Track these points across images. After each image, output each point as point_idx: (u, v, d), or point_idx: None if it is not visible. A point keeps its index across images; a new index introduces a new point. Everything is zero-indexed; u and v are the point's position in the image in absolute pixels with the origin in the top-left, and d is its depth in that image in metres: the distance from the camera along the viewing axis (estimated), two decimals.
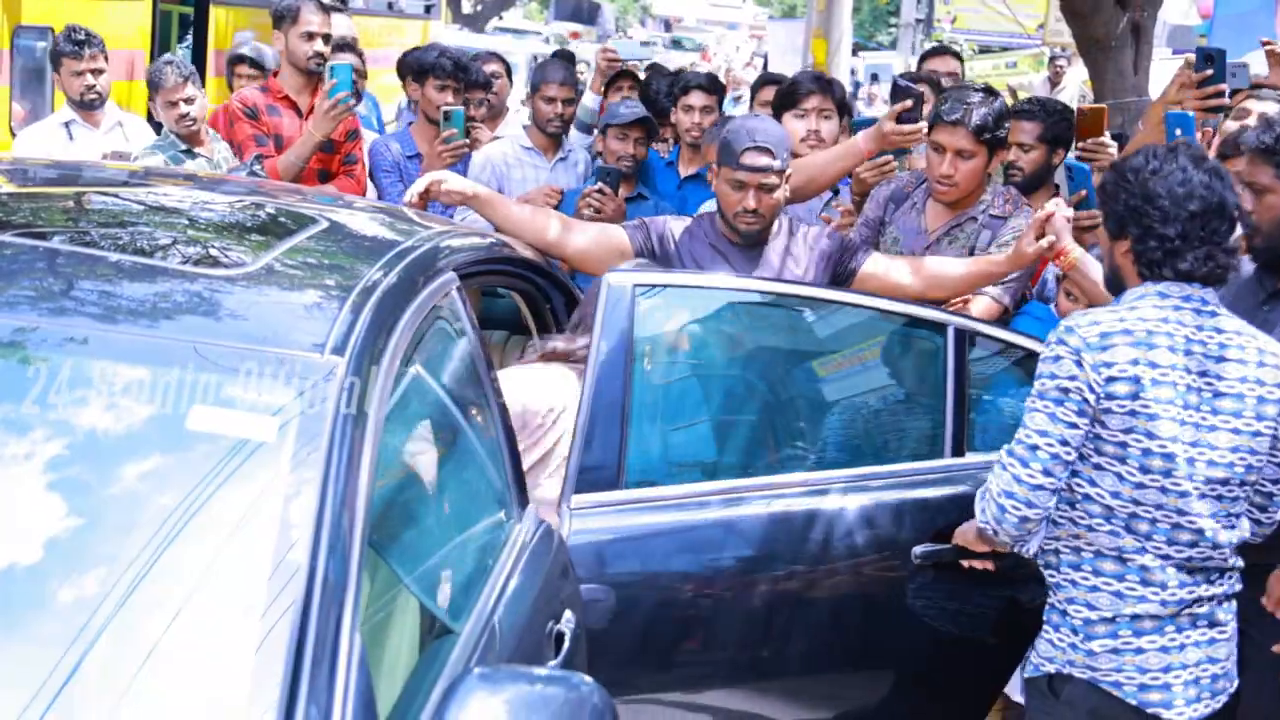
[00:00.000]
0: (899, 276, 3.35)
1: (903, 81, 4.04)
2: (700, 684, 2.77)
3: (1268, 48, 4.12)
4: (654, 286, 2.80)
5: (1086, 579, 2.46)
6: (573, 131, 5.23)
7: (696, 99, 4.84)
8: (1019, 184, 4.08)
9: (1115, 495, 2.40)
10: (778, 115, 4.19)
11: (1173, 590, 2.42)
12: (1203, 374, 2.39)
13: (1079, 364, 2.36)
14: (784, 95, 4.35)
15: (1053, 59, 12.87)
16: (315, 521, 1.69)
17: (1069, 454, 2.37)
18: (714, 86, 4.96)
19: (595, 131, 4.93)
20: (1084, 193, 3.44)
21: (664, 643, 2.70)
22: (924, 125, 3.63)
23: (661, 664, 2.70)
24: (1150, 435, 2.36)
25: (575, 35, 26.74)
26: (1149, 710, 2.43)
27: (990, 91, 3.77)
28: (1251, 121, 4.31)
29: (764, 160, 3.20)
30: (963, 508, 2.78)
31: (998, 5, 20.70)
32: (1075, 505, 2.45)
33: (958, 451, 2.94)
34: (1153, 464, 2.37)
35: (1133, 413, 2.35)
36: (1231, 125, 4.10)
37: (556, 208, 4.56)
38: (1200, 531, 2.40)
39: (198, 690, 1.58)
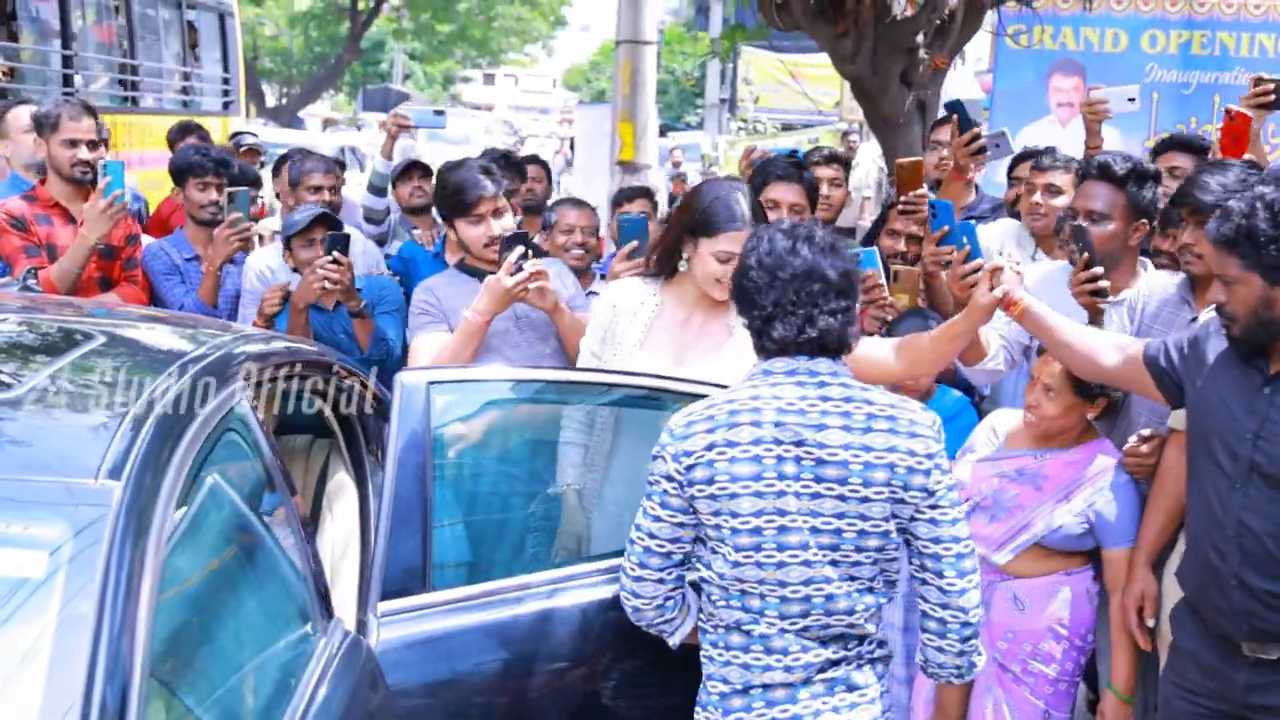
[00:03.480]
0: (883, 357, 3.09)
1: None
2: None
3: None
4: (449, 382, 2.78)
5: (721, 654, 2.48)
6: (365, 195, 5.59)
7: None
8: None
9: (721, 576, 2.43)
10: (450, 222, 3.67)
11: (796, 656, 2.42)
12: (799, 443, 2.37)
13: (663, 457, 2.43)
14: (452, 201, 3.62)
15: (845, 135, 13.35)
16: (89, 658, 1.62)
17: (660, 546, 2.45)
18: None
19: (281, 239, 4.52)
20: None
21: None
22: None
23: None
24: (734, 514, 2.39)
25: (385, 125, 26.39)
26: None
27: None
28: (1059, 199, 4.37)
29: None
30: None
31: (795, 85, 21.43)
32: (701, 587, 2.50)
33: None
34: (741, 541, 2.39)
35: (713, 496, 2.39)
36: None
37: None
38: (808, 599, 2.40)
39: None
